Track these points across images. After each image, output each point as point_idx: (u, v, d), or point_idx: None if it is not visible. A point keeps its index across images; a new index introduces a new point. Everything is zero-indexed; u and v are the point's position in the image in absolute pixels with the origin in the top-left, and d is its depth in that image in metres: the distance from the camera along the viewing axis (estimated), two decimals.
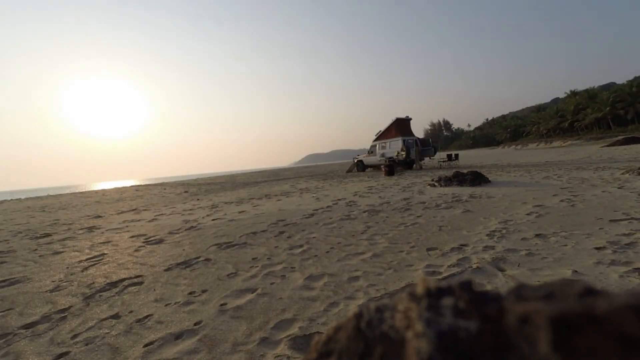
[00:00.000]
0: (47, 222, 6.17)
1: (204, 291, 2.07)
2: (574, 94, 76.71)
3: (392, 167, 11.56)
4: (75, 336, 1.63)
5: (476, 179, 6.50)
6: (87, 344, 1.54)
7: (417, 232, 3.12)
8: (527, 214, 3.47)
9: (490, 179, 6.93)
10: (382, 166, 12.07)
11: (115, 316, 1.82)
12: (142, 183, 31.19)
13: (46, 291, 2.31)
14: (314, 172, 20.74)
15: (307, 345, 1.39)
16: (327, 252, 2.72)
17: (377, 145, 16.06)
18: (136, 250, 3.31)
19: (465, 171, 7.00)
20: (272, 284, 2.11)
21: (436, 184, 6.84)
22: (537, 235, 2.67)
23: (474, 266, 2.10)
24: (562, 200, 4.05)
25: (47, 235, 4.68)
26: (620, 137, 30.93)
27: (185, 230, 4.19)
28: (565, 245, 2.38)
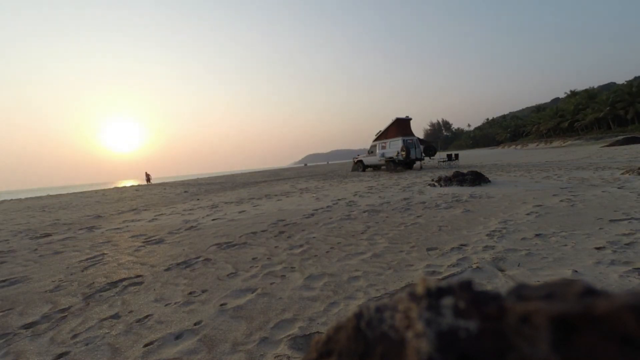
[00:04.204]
0: (47, 222, 6.17)
1: (203, 291, 2.07)
2: (573, 94, 76.71)
3: (393, 165, 11.56)
4: (75, 336, 1.63)
5: (476, 179, 6.50)
6: (87, 344, 1.54)
7: (417, 232, 3.12)
8: (527, 214, 3.47)
9: (490, 179, 6.93)
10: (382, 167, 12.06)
11: (115, 316, 1.82)
12: (142, 183, 31.20)
13: (46, 291, 2.31)
14: (314, 172, 20.74)
15: (307, 345, 1.39)
16: (327, 252, 2.72)
17: (377, 145, 16.07)
18: (136, 250, 3.31)
19: (465, 171, 7.00)
20: (272, 284, 2.11)
21: (436, 184, 6.84)
22: (537, 235, 2.67)
23: (474, 266, 2.10)
24: (562, 200, 4.05)
25: (47, 235, 4.68)
26: (620, 137, 30.95)
27: (185, 230, 4.19)
28: (565, 245, 2.38)
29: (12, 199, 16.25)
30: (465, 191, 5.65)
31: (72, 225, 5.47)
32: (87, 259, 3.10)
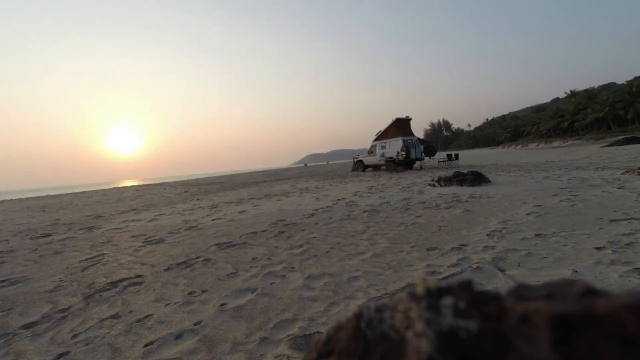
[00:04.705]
0: (47, 222, 6.17)
1: (203, 291, 2.07)
2: (573, 94, 76.74)
3: (393, 165, 11.56)
4: (75, 336, 1.63)
5: (476, 179, 6.50)
6: (87, 344, 1.54)
7: (417, 232, 3.12)
8: (527, 214, 3.47)
9: (490, 179, 6.93)
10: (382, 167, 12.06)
11: (115, 316, 1.82)
12: (142, 183, 31.20)
13: (46, 291, 2.31)
14: (314, 172, 20.74)
15: (307, 345, 1.39)
16: (327, 252, 2.72)
17: (377, 145, 16.07)
18: (136, 250, 3.31)
19: (465, 171, 7.00)
20: (272, 283, 2.11)
21: (436, 184, 6.84)
22: (537, 235, 2.67)
23: (474, 266, 2.10)
24: (562, 200, 4.05)
25: (47, 235, 4.68)
26: (620, 137, 30.97)
27: (185, 230, 4.19)
28: (565, 245, 2.38)
29: (12, 199, 16.25)
30: (465, 191, 5.65)
31: (72, 225, 5.47)
32: (87, 259, 3.10)
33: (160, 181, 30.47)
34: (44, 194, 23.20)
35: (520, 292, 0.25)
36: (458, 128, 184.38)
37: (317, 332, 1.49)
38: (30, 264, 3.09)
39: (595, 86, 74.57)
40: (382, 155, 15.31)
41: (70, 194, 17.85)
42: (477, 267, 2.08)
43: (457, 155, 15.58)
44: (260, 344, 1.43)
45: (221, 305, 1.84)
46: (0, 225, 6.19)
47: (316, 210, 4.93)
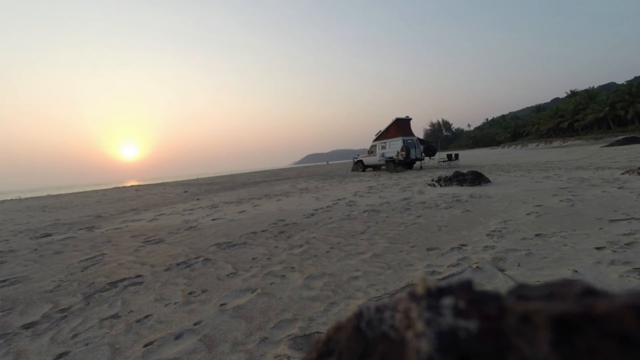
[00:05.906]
0: (47, 222, 6.17)
1: (203, 291, 2.07)
2: (573, 94, 76.73)
3: (393, 165, 11.56)
4: (75, 336, 1.63)
5: (476, 179, 6.50)
6: (87, 344, 1.54)
7: (417, 232, 3.12)
8: (527, 214, 3.46)
9: (490, 179, 6.93)
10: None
11: (115, 316, 1.82)
12: (142, 183, 31.21)
13: (46, 291, 2.32)
14: (314, 172, 20.74)
15: (307, 345, 1.39)
16: (327, 252, 2.72)
17: (377, 145, 16.07)
18: (136, 250, 3.31)
19: (465, 171, 7.00)
20: (272, 283, 2.11)
21: (436, 184, 6.84)
22: (537, 235, 2.67)
23: (474, 266, 2.10)
24: (562, 200, 4.05)
25: (48, 235, 4.68)
26: (620, 137, 30.98)
27: (185, 230, 4.19)
28: (565, 245, 2.38)
29: (12, 199, 16.25)
30: (465, 191, 5.65)
31: (72, 225, 5.48)
32: (87, 259, 3.10)
33: (161, 181, 30.48)
34: (44, 193, 23.21)
35: (520, 292, 0.25)
36: (458, 128, 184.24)
37: (317, 332, 1.49)
38: (30, 264, 3.09)
39: (595, 86, 74.51)
40: (382, 155, 15.30)
41: (71, 194, 17.85)
42: (477, 267, 2.08)
43: (457, 155, 15.56)
44: (260, 344, 1.43)
45: (221, 305, 1.84)
46: (0, 225, 6.19)
47: (316, 210, 4.93)
